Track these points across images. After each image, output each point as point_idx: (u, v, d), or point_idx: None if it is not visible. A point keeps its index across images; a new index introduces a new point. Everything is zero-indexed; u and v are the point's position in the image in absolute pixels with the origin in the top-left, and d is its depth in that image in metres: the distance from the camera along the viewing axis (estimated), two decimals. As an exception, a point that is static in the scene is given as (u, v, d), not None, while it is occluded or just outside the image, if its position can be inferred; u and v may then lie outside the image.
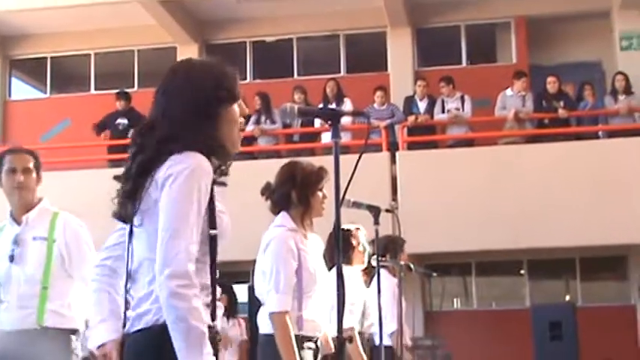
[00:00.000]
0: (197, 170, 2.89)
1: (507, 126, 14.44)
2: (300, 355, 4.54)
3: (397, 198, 13.68)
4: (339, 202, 3.26)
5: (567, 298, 16.32)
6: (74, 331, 5.01)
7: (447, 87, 14.75)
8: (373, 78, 16.53)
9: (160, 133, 3.02)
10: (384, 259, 7.09)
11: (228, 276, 11.50)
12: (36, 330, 4.87)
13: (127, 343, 3.04)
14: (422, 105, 14.94)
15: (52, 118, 17.92)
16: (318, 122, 14.54)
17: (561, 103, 14.19)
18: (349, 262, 6.77)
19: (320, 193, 4.86)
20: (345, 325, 4.93)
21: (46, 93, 18.95)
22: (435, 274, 8.85)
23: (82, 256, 5.01)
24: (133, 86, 17.66)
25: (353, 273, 6.65)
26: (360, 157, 3.25)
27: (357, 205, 5.84)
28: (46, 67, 18.69)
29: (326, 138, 14.40)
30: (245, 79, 17.33)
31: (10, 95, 18.91)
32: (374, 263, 6.68)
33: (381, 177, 13.79)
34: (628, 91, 14.42)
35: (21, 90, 19.35)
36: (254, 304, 7.35)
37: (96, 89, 18.32)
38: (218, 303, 3.03)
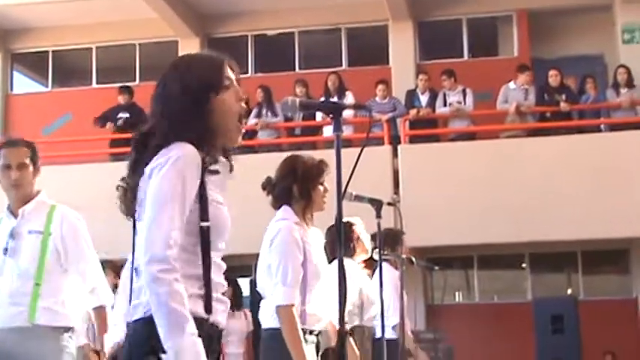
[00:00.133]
0: (181, 160, 2.89)
1: (509, 119, 14.43)
2: None
3: (399, 191, 13.68)
4: (340, 196, 3.25)
5: (569, 291, 16.31)
6: (68, 329, 4.90)
7: (448, 80, 14.75)
8: (375, 71, 16.52)
9: (151, 128, 3.05)
10: (385, 252, 7.08)
11: (229, 270, 11.49)
12: (27, 328, 4.77)
13: (126, 333, 3.05)
14: (424, 98, 14.93)
15: (53, 111, 17.92)
16: (319, 116, 14.54)
17: (563, 97, 14.18)
18: (352, 254, 6.78)
19: (321, 187, 4.85)
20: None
21: (47, 87, 18.96)
22: (436, 268, 8.87)
23: (79, 251, 4.92)
24: (135, 80, 17.65)
25: (351, 266, 6.63)
26: (361, 151, 3.24)
27: (358, 198, 5.85)
28: (48, 61, 18.69)
29: (327, 131, 14.40)
30: (247, 72, 17.32)
31: (11, 89, 18.91)
32: (376, 257, 6.69)
33: (383, 170, 13.79)
34: (630, 84, 14.39)
35: (22, 84, 19.36)
36: (255, 298, 7.36)
37: (97, 83, 18.33)
38: (218, 296, 3.02)
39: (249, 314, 11.19)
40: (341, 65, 17.32)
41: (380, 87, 14.98)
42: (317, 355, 4.75)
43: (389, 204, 6.36)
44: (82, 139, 16.22)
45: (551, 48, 16.94)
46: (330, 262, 5.07)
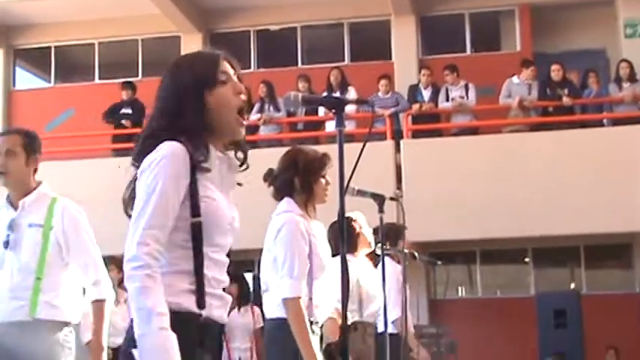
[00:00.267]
0: (166, 159, 2.91)
1: (512, 114, 14.43)
2: None
3: (401, 186, 13.68)
4: (343, 191, 3.26)
5: (572, 285, 16.32)
6: (68, 324, 4.83)
7: (451, 75, 14.75)
8: (377, 66, 16.51)
9: (147, 127, 3.09)
10: (387, 247, 7.08)
11: (233, 265, 11.50)
12: (28, 322, 4.69)
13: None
14: (426, 93, 14.93)
15: (56, 107, 17.94)
16: (322, 111, 14.55)
17: (566, 91, 14.16)
18: (354, 249, 6.77)
19: (323, 180, 4.83)
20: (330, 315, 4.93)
21: (50, 82, 18.97)
22: (439, 262, 8.88)
23: (81, 244, 4.82)
24: (137, 75, 17.67)
25: (350, 262, 6.59)
26: (364, 146, 3.23)
27: (361, 193, 5.85)
28: (50, 57, 18.70)
29: (330, 127, 14.41)
30: (249, 67, 17.33)
31: (14, 85, 18.93)
32: (378, 251, 6.69)
33: (386, 165, 13.80)
34: (632, 78, 14.38)
35: (25, 80, 19.37)
36: (259, 293, 7.37)
37: (100, 79, 18.34)
38: (214, 291, 3.02)
39: (257, 310, 11.17)
40: (343, 60, 17.33)
41: (382, 82, 14.98)
42: (320, 347, 4.75)
43: (391, 199, 6.37)
44: (85, 134, 16.24)
45: (554, 42, 16.93)
46: (333, 256, 5.07)
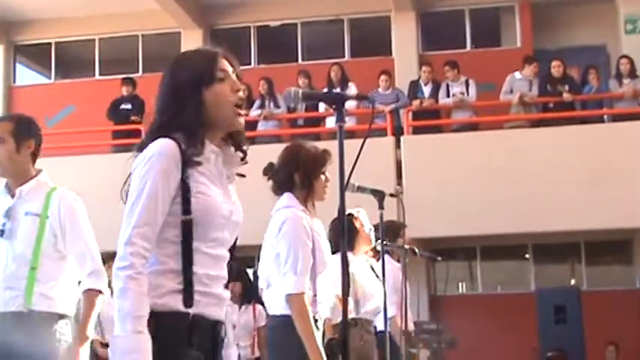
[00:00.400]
0: (155, 157, 2.93)
1: (514, 110, 14.43)
2: None
3: (402, 182, 13.68)
4: (343, 187, 3.25)
5: (572, 282, 16.33)
6: (64, 316, 4.69)
7: (451, 71, 14.75)
8: (378, 62, 16.50)
9: (150, 124, 3.12)
10: (387, 243, 7.06)
11: (237, 261, 11.48)
12: (23, 313, 4.58)
13: None
14: (426, 89, 14.93)
15: (56, 103, 17.93)
16: (322, 107, 14.55)
17: (566, 87, 14.16)
18: (352, 248, 6.74)
19: (323, 177, 4.82)
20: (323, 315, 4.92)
21: (50, 78, 18.98)
22: (439, 259, 8.86)
23: (77, 233, 4.68)
24: (138, 71, 17.68)
25: (351, 260, 6.57)
26: (364, 142, 3.22)
27: (361, 189, 5.85)
28: (51, 53, 18.70)
29: (330, 122, 14.41)
30: (249, 64, 17.33)
31: (14, 81, 18.93)
32: (379, 248, 6.68)
33: (386, 161, 13.80)
34: (633, 74, 14.38)
35: (25, 76, 19.37)
36: (257, 290, 7.34)
37: (100, 75, 18.34)
38: (205, 289, 3.01)
39: (258, 307, 11.15)
40: (344, 56, 17.33)
41: (383, 78, 14.98)
42: (322, 342, 4.73)
43: (391, 195, 6.35)
44: (86, 130, 16.25)
45: (554, 38, 16.93)
46: (333, 254, 5.05)
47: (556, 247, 16.09)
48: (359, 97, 13.72)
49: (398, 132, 14.41)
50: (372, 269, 7.02)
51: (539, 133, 14.10)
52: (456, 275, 16.35)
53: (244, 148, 3.19)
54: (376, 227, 6.60)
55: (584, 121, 14.47)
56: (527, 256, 16.33)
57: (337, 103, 3.36)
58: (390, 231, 7.55)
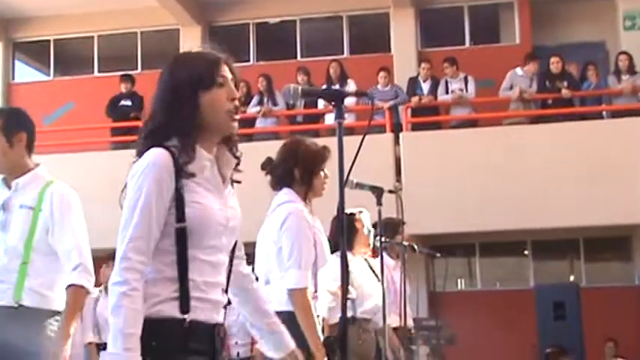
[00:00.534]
0: (148, 168, 2.94)
1: (513, 106, 14.43)
2: None
3: (401, 179, 13.67)
4: (342, 184, 3.25)
5: (571, 278, 16.33)
6: (54, 313, 4.59)
7: (450, 68, 14.75)
8: (376, 59, 16.50)
9: (146, 124, 3.11)
10: (386, 240, 7.06)
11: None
12: (12, 308, 4.50)
13: None
14: (425, 86, 14.93)
15: (55, 100, 17.92)
16: (321, 103, 14.56)
17: (565, 84, 14.16)
18: (351, 248, 6.73)
19: (322, 173, 4.81)
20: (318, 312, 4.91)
21: (49, 76, 18.96)
22: (438, 255, 8.86)
23: (65, 226, 4.58)
24: (137, 68, 17.68)
25: (350, 259, 6.55)
26: (363, 138, 3.23)
27: (360, 186, 5.85)
28: (50, 50, 18.69)
29: (329, 119, 14.41)
30: (248, 60, 17.30)
31: (13, 78, 18.93)
32: (377, 243, 6.67)
33: (385, 158, 13.79)
34: (631, 70, 14.38)
35: (24, 73, 19.36)
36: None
37: (99, 72, 18.33)
38: (207, 296, 3.02)
39: None
40: (343, 53, 17.32)
41: (381, 74, 14.97)
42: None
43: (390, 192, 6.35)
44: (85, 127, 16.24)
45: (553, 35, 16.92)
46: (332, 252, 5.04)
47: (555, 243, 16.10)
48: (358, 94, 13.66)
49: (397, 128, 14.41)
50: (371, 269, 7.02)
51: (538, 130, 14.09)
52: (455, 272, 16.34)
53: (237, 154, 3.18)
54: (374, 224, 6.60)
55: (583, 117, 14.49)
56: (526, 252, 16.34)
57: (336, 99, 3.37)
58: (388, 228, 7.55)
